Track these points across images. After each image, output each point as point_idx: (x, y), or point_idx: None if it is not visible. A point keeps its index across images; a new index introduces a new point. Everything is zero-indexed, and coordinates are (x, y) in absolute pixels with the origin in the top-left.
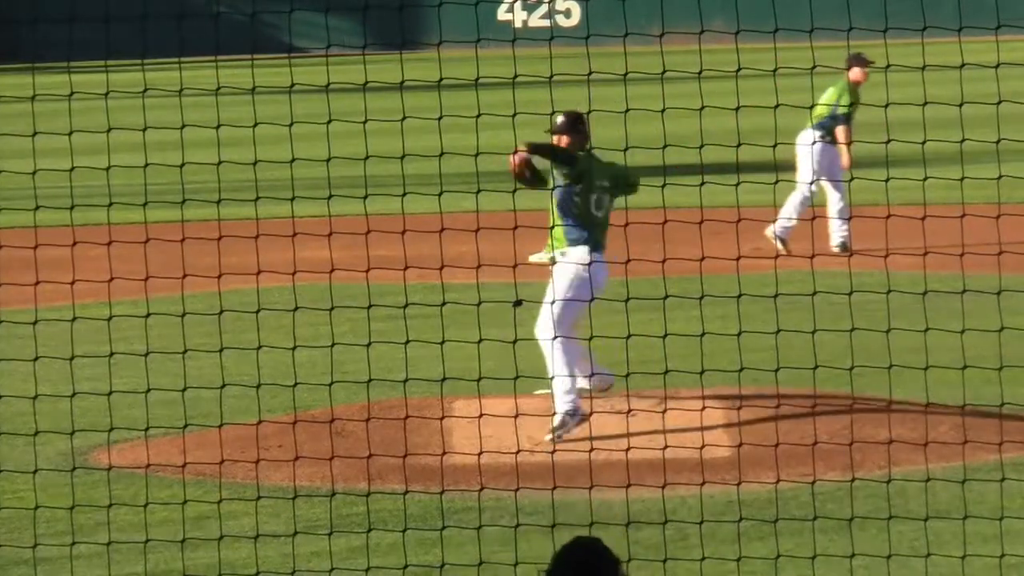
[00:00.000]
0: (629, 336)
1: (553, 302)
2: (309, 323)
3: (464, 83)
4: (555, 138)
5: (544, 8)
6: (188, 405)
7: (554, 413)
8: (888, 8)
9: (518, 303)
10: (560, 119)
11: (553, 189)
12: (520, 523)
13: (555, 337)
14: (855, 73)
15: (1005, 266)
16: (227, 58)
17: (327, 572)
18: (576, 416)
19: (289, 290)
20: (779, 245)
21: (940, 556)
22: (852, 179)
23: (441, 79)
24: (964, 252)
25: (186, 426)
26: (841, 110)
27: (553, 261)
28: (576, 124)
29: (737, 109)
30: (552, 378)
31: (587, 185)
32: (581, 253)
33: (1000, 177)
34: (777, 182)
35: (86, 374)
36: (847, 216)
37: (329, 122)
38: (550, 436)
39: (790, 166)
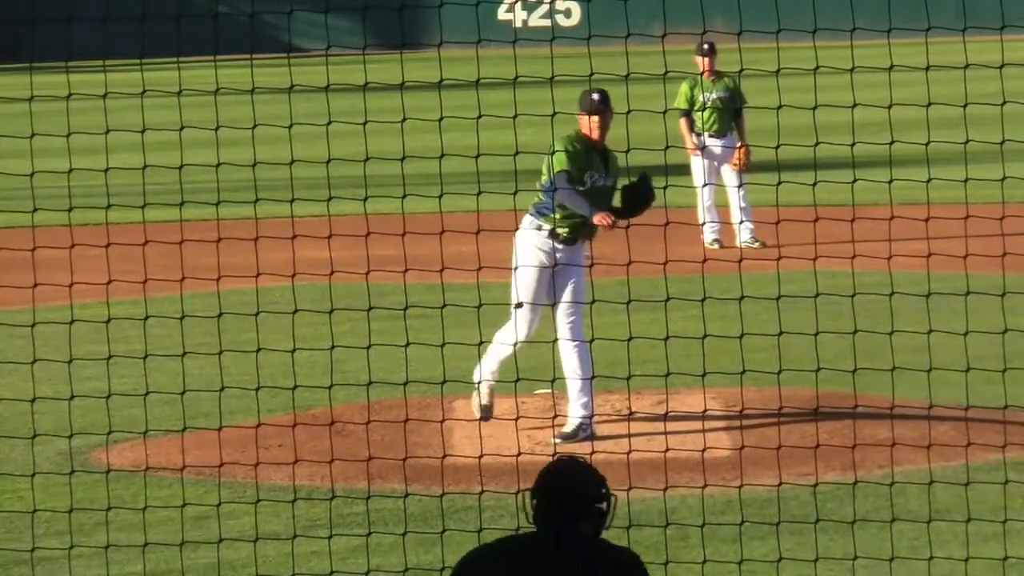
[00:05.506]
0: (631, 337)
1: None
2: (309, 324)
3: (464, 83)
4: (591, 118)
5: (544, 8)
6: (187, 406)
7: (567, 417)
8: (891, 8)
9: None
10: (596, 97)
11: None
12: (520, 523)
13: (580, 341)
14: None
15: (1008, 267)
16: (226, 58)
17: (327, 573)
18: (587, 430)
19: (289, 291)
20: (716, 246)
21: (942, 557)
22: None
23: (441, 79)
24: (967, 253)
25: (185, 427)
26: (680, 105)
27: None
28: (608, 101)
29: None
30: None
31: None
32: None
33: (1004, 178)
34: (780, 183)
35: (85, 375)
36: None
37: (329, 123)
38: (559, 439)
39: (793, 166)
